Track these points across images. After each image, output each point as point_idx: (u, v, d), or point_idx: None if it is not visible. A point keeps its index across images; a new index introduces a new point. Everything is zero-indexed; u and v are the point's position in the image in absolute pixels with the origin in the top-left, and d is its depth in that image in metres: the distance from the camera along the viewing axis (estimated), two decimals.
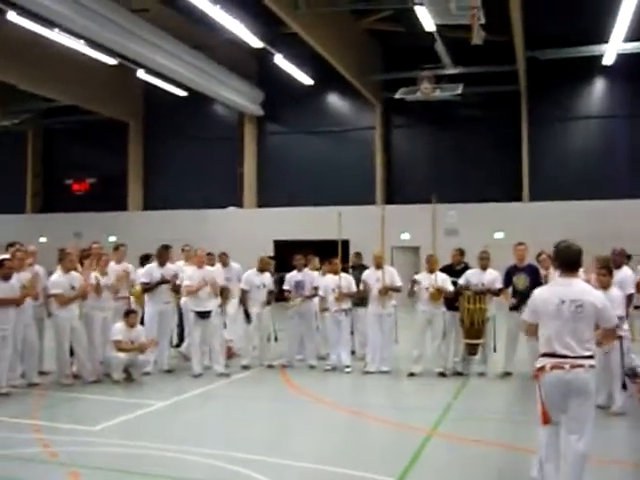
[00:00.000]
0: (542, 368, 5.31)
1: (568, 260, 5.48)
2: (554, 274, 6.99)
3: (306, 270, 12.13)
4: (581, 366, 5.20)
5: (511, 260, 11.15)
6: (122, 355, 10.29)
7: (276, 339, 12.31)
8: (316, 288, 11.76)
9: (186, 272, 11.30)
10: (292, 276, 12.03)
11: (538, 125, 23.65)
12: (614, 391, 8.42)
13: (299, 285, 11.86)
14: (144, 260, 12.36)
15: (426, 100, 22.42)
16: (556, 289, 5.47)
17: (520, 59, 20.42)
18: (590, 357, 5.27)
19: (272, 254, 13.23)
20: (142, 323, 11.14)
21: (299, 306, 11.77)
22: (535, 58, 21.61)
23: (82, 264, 10.98)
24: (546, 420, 5.35)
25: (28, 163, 30.25)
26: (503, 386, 10.44)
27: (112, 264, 11.33)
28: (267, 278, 11.86)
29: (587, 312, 5.28)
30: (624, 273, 9.29)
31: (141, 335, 10.64)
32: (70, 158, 29.69)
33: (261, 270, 11.84)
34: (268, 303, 11.87)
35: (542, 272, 10.53)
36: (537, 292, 5.66)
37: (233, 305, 12.33)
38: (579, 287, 5.43)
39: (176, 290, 11.35)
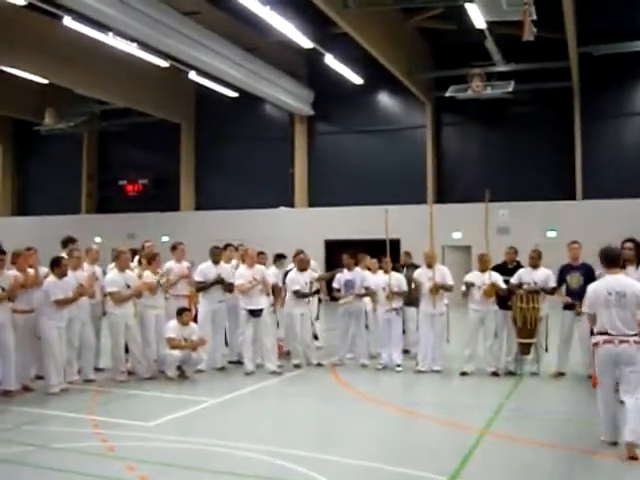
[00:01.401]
0: (597, 343, 6.83)
1: (609, 258, 7.01)
2: None
3: (356, 269, 12.11)
4: (627, 342, 6.64)
5: (564, 259, 11.00)
6: (176, 353, 10.42)
7: (316, 337, 12.31)
8: (367, 288, 11.75)
9: (237, 271, 11.42)
10: (342, 275, 12.01)
11: (591, 122, 23.25)
12: None
13: (349, 284, 11.84)
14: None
15: (477, 98, 22.22)
16: (605, 283, 6.95)
17: (573, 55, 20.10)
18: (635, 335, 6.66)
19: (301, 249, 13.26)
20: (195, 321, 11.30)
21: (350, 304, 11.77)
22: (588, 53, 21.22)
23: (140, 262, 11.18)
24: (595, 384, 6.97)
25: (83, 165, 30.87)
26: (556, 386, 10.31)
27: (172, 263, 11.50)
28: (308, 277, 11.88)
29: (629, 300, 6.69)
30: None
31: (195, 332, 10.77)
32: (124, 159, 30.21)
33: (301, 270, 11.86)
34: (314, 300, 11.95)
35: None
36: (590, 286, 7.13)
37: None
38: (624, 281, 6.89)
39: (230, 290, 11.44)
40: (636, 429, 6.47)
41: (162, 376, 10.61)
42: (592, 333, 7.37)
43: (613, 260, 7.02)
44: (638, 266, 8.56)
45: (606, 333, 6.74)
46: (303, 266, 11.88)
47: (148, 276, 10.88)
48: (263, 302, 11.14)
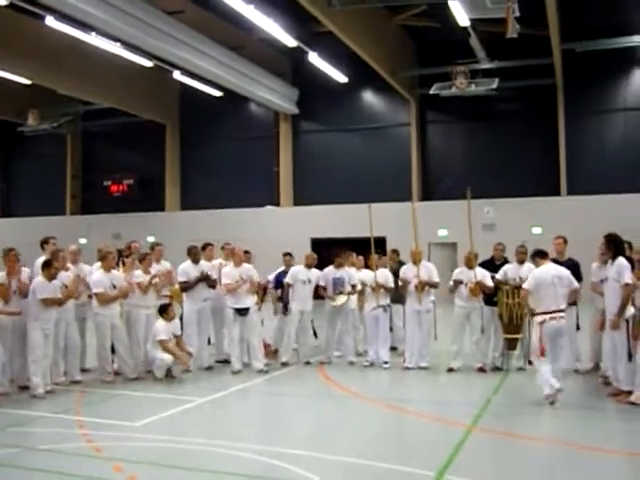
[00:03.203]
0: (543, 321, 8.55)
1: (541, 253, 9.10)
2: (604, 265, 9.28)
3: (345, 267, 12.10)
4: (563, 317, 8.65)
5: (550, 255, 11.01)
6: (168, 357, 10.33)
7: (316, 335, 12.35)
8: (354, 286, 11.75)
9: (223, 270, 11.39)
10: (329, 273, 11.96)
11: (575, 118, 23.39)
12: (619, 372, 8.69)
13: (338, 282, 11.81)
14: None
15: (461, 95, 22.29)
16: (546, 270, 8.82)
17: (556, 51, 20.20)
18: (564, 310, 8.70)
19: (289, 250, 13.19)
20: (181, 321, 11.26)
21: (344, 304, 11.74)
22: (571, 50, 21.35)
23: (124, 263, 11.10)
24: (543, 353, 8.52)
25: (67, 165, 30.74)
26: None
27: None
28: (313, 274, 11.86)
29: (563, 282, 8.73)
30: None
31: (178, 328, 10.76)
32: (108, 160, 30.11)
33: (308, 266, 11.86)
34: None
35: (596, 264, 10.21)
36: (536, 272, 8.89)
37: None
38: (556, 268, 8.97)
39: (213, 286, 11.44)
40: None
41: (149, 376, 10.56)
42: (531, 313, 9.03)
43: (544, 254, 9.10)
44: (613, 261, 8.66)
45: (549, 312, 8.54)
46: (310, 263, 11.90)
47: (139, 275, 10.82)
48: (249, 301, 11.12)
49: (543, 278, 8.69)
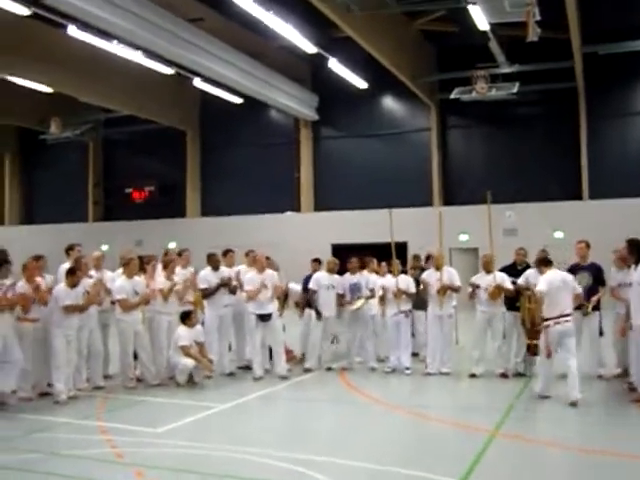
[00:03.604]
0: (549, 325, 8.94)
1: (546, 260, 9.57)
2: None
3: (363, 272, 12.10)
4: (568, 321, 8.98)
5: (572, 259, 10.97)
6: (190, 362, 10.35)
7: (337, 341, 12.31)
8: (372, 290, 11.74)
9: (246, 276, 11.41)
10: (346, 279, 11.99)
11: (597, 122, 23.19)
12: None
13: (355, 287, 11.84)
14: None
15: (482, 100, 22.21)
16: (554, 275, 9.23)
17: (577, 55, 20.06)
18: (570, 315, 9.06)
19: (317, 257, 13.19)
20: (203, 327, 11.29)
21: (360, 308, 11.74)
22: (593, 53, 21.16)
23: (144, 270, 11.15)
24: (549, 355, 9.00)
25: (89, 173, 30.94)
26: (565, 386, 10.24)
27: (178, 269, 11.46)
28: (336, 280, 11.88)
29: (568, 286, 9.18)
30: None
31: (200, 334, 10.77)
32: (129, 167, 30.26)
33: (330, 271, 11.90)
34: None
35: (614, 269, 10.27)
36: (546, 277, 9.19)
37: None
38: (561, 273, 9.43)
39: (233, 292, 11.48)
40: (576, 390, 8.80)
41: (171, 382, 10.60)
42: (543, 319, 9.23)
43: (549, 262, 9.51)
44: (637, 265, 8.59)
45: (554, 317, 8.92)
46: (332, 269, 11.95)
47: (161, 282, 10.87)
48: (272, 307, 11.13)
49: (552, 282, 9.07)
